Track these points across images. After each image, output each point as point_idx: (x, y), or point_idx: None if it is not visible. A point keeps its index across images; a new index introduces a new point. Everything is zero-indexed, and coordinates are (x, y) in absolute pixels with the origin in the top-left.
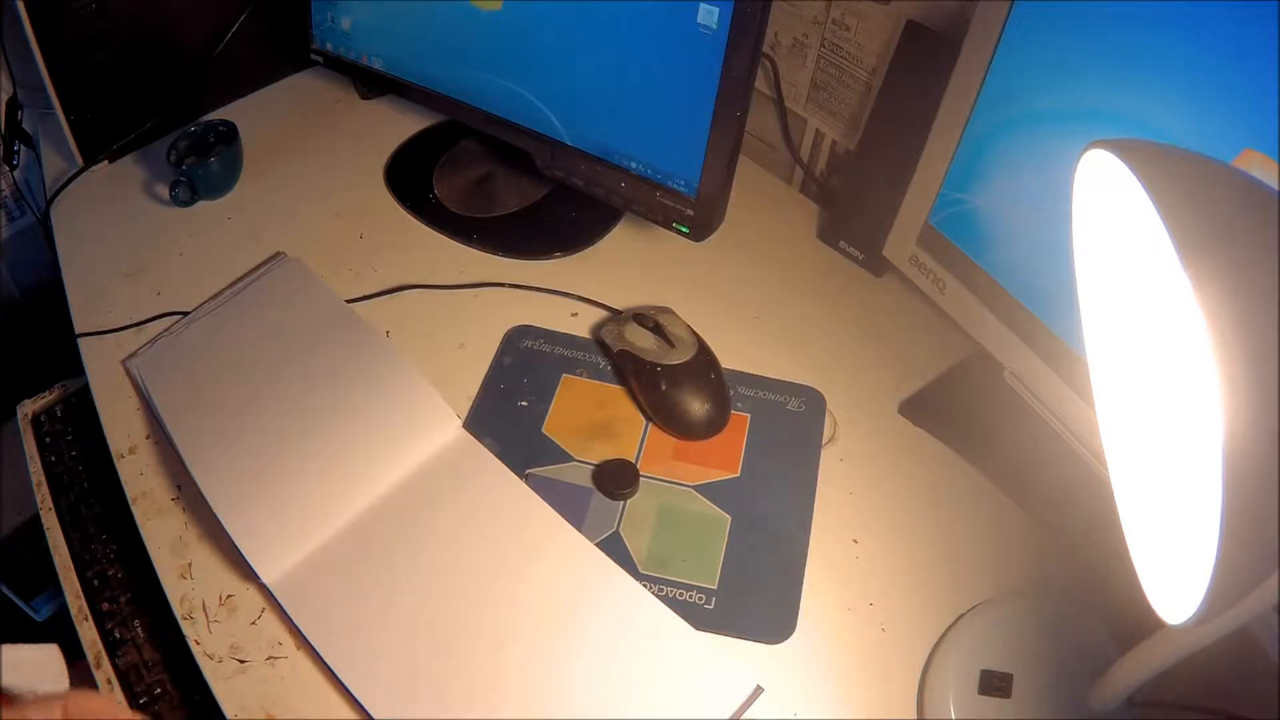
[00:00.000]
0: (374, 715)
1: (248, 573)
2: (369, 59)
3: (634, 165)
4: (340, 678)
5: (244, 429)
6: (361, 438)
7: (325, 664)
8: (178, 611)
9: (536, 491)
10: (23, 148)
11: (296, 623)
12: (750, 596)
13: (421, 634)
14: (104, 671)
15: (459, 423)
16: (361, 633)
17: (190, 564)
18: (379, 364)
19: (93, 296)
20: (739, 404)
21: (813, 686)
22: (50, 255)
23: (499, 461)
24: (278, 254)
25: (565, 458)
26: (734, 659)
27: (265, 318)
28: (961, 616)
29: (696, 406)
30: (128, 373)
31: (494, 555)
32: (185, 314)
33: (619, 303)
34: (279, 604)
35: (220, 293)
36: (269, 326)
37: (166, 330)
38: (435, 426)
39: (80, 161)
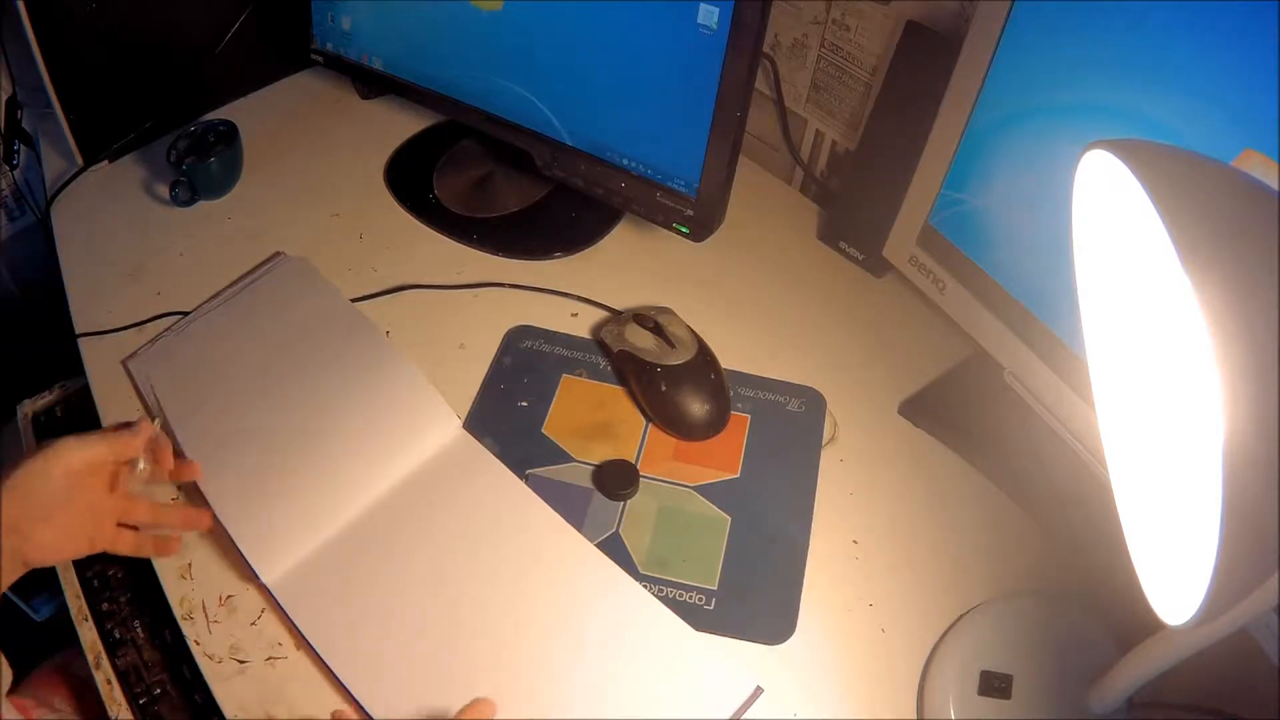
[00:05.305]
0: (373, 715)
1: (248, 573)
2: (369, 59)
3: (634, 165)
4: (339, 677)
5: (245, 428)
6: (362, 437)
7: (325, 664)
8: (178, 611)
9: (536, 492)
10: (23, 148)
11: (296, 622)
12: (750, 597)
13: (421, 634)
14: (104, 671)
15: (459, 423)
16: (361, 633)
17: (190, 564)
18: (380, 363)
19: (93, 296)
20: (739, 404)
21: (813, 686)
22: (50, 255)
23: (499, 462)
24: (278, 253)
25: (565, 458)
26: (734, 659)
27: (267, 316)
28: (961, 617)
29: (696, 407)
30: (128, 372)
31: (494, 556)
32: (185, 314)
33: (619, 303)
34: (279, 604)
35: (221, 292)
36: (271, 325)
37: (167, 330)
38: (435, 426)
39: (80, 161)
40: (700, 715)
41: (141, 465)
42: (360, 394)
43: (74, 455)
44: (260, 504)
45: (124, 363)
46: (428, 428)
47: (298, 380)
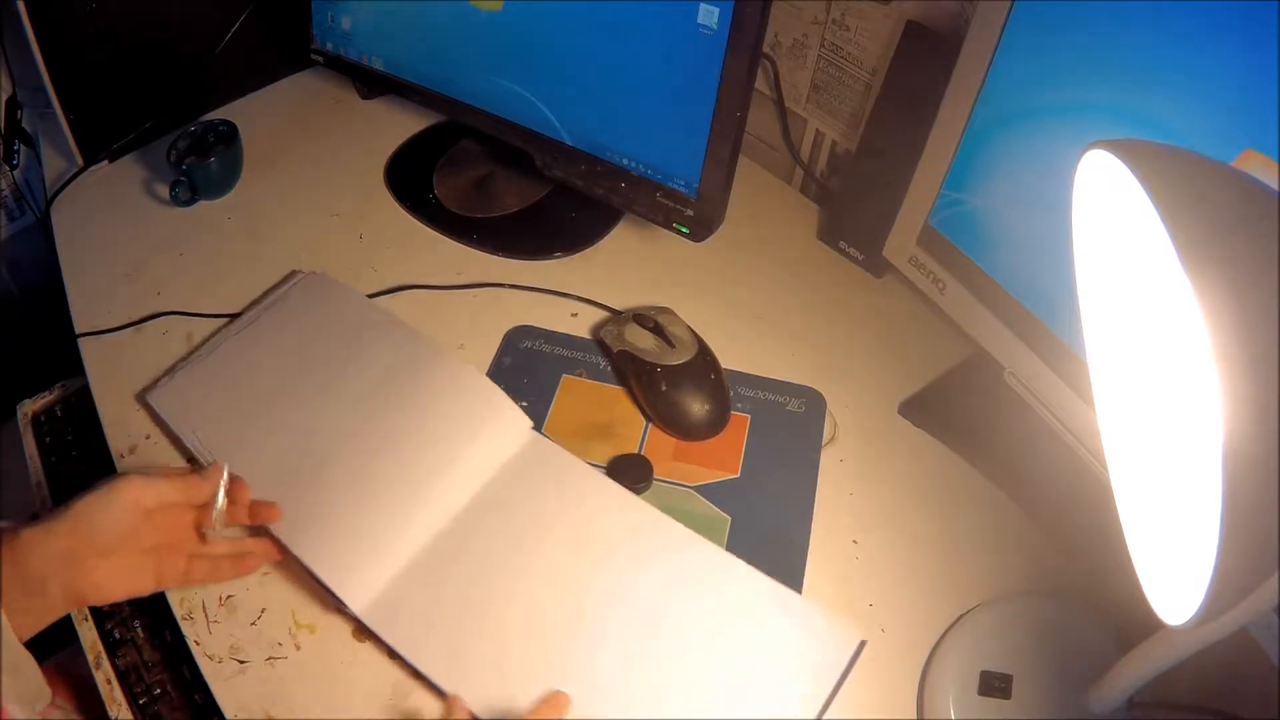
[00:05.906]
0: None
1: (334, 605)
2: (369, 59)
3: (634, 165)
4: (454, 693)
5: (303, 456)
6: (432, 449)
7: (431, 683)
8: (178, 611)
9: None
10: (23, 147)
11: (394, 646)
12: None
13: (521, 638)
14: (104, 671)
15: (530, 423)
16: (464, 645)
17: None
18: (438, 369)
19: (93, 296)
20: (739, 404)
21: None
22: (50, 255)
23: (580, 460)
24: (293, 272)
25: None
26: (839, 616)
27: (299, 334)
28: (961, 617)
29: (696, 407)
30: (148, 409)
31: (589, 552)
32: (184, 314)
33: (619, 303)
34: (371, 630)
35: (239, 314)
36: (306, 343)
37: (183, 360)
38: (507, 429)
39: (80, 161)
40: (814, 669)
41: (220, 506)
42: (423, 402)
43: (142, 492)
44: (337, 532)
45: (139, 397)
46: (500, 431)
47: (351, 395)
